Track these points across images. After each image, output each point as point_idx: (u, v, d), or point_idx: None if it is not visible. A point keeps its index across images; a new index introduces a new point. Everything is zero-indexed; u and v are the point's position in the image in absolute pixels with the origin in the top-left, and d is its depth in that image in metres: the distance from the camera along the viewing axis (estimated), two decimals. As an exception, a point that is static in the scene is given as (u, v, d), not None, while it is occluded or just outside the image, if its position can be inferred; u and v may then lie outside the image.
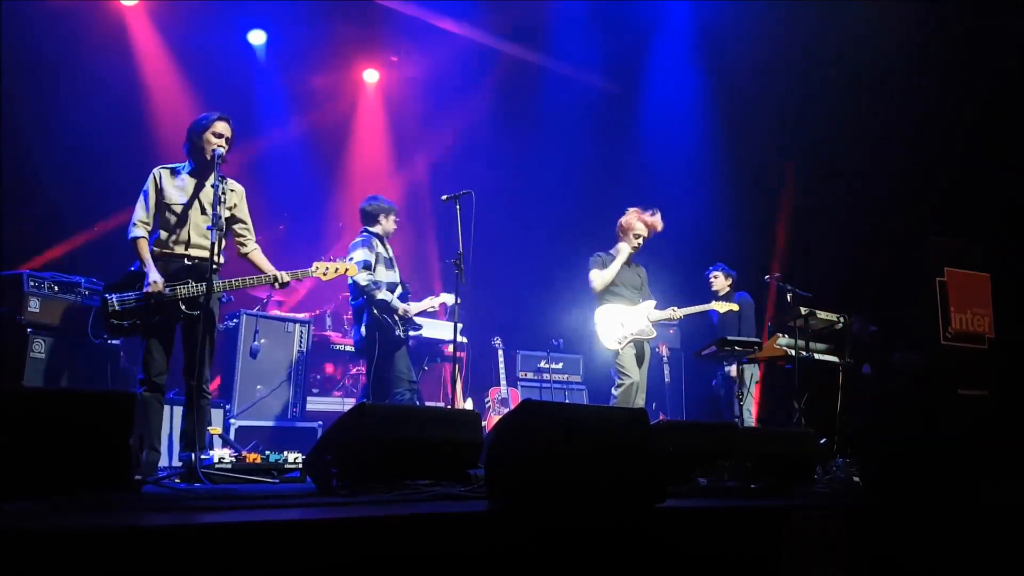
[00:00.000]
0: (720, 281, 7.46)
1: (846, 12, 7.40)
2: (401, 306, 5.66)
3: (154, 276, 4.21)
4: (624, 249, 6.16)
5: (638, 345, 6.08)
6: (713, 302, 6.65)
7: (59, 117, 6.86)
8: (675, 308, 6.26)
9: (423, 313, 6.06)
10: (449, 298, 6.11)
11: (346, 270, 4.83)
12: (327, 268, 4.73)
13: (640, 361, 6.07)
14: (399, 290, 5.78)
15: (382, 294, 5.60)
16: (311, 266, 4.70)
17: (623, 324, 6.03)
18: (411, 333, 5.85)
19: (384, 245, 5.86)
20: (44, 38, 6.82)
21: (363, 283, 5.57)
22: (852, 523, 3.27)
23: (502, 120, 9.11)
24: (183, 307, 4.23)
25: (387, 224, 5.90)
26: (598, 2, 8.72)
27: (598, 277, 6.14)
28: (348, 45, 8.87)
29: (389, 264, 5.83)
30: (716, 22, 8.54)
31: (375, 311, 5.59)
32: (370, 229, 5.86)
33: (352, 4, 8.35)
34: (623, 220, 6.25)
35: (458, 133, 9.07)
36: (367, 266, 5.62)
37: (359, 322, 5.70)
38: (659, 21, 9.13)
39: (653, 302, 6.21)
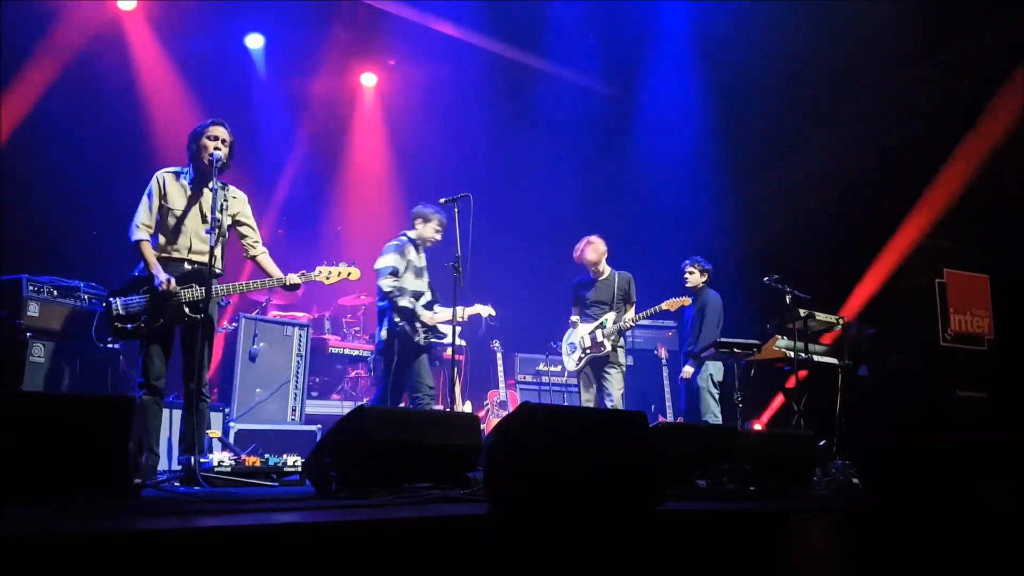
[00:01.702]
0: (695, 276, 7.17)
1: (843, 14, 7.41)
2: (425, 314, 5.67)
3: (163, 275, 4.22)
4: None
5: (596, 362, 6.21)
6: (664, 302, 6.42)
7: (57, 121, 6.85)
8: (625, 319, 6.28)
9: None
10: (485, 309, 6.14)
11: (348, 274, 4.81)
12: (330, 272, 4.72)
13: (599, 378, 6.21)
14: (426, 298, 5.79)
15: (404, 301, 5.61)
16: (314, 270, 4.70)
17: (580, 344, 6.30)
18: (434, 341, 5.84)
19: (418, 251, 5.86)
20: (42, 41, 6.82)
21: (386, 289, 5.61)
22: (852, 525, 3.27)
23: (500, 123, 9.12)
24: (186, 310, 4.24)
25: (423, 230, 5.87)
26: (595, 4, 8.73)
27: (571, 319, 6.53)
28: (346, 49, 8.87)
29: (419, 272, 5.83)
30: (713, 24, 8.55)
31: (396, 317, 5.61)
32: (408, 233, 5.90)
33: (349, 8, 8.35)
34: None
35: (456, 136, 9.07)
36: (394, 272, 5.65)
37: (381, 325, 5.74)
38: (657, 24, 9.14)
39: (612, 315, 6.26)
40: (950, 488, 4.70)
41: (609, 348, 6.20)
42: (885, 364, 6.56)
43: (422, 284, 5.84)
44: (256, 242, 4.67)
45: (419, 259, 5.87)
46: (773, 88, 8.11)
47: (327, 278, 4.71)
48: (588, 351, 6.24)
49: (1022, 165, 6.46)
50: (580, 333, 6.36)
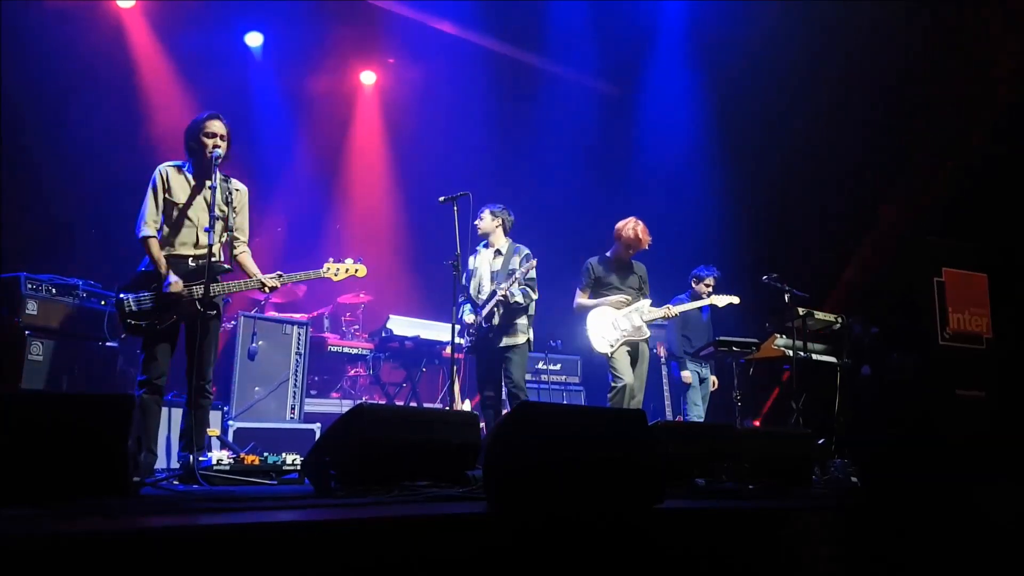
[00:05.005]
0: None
1: (844, 13, 7.41)
2: (469, 317, 5.79)
3: (173, 277, 4.19)
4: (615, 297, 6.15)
5: (632, 346, 6.06)
6: (712, 296, 6.50)
7: (57, 119, 6.85)
8: (669, 306, 6.22)
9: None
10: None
11: (356, 271, 4.71)
12: (338, 269, 4.62)
13: (635, 362, 6.05)
14: (482, 298, 5.82)
15: (463, 311, 5.81)
16: (322, 266, 4.61)
17: (615, 326, 6.03)
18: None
19: (490, 253, 5.95)
20: (42, 40, 6.82)
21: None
22: (850, 524, 3.27)
23: (500, 122, 9.11)
24: (197, 305, 4.21)
25: (482, 225, 5.94)
26: (595, 4, 8.73)
27: (580, 301, 6.25)
28: (345, 47, 8.87)
29: (470, 275, 5.94)
30: (713, 24, 8.55)
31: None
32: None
33: (349, 6, 8.35)
34: (628, 231, 6.16)
35: (455, 135, 9.06)
36: (467, 277, 5.91)
37: None
38: (657, 23, 9.14)
39: (648, 301, 6.15)
40: (948, 487, 4.70)
41: (648, 333, 6.11)
42: (884, 363, 6.57)
43: (471, 285, 5.93)
44: (242, 241, 4.57)
45: (475, 261, 5.97)
46: (773, 87, 8.10)
47: (335, 275, 4.61)
48: (626, 333, 6.02)
49: (1021, 162, 6.47)
50: (615, 315, 6.07)
